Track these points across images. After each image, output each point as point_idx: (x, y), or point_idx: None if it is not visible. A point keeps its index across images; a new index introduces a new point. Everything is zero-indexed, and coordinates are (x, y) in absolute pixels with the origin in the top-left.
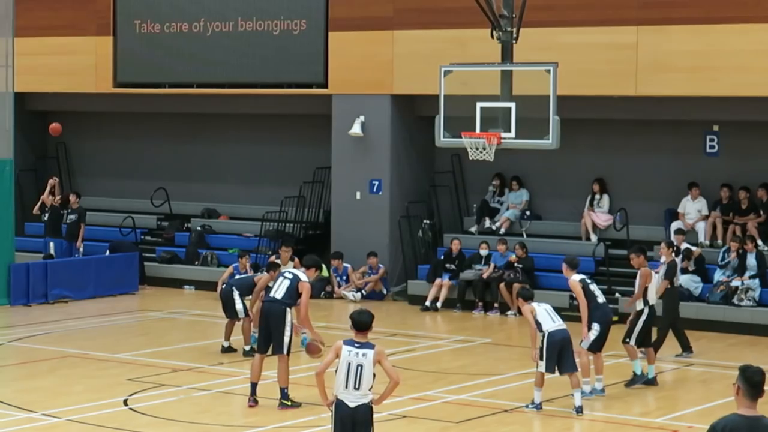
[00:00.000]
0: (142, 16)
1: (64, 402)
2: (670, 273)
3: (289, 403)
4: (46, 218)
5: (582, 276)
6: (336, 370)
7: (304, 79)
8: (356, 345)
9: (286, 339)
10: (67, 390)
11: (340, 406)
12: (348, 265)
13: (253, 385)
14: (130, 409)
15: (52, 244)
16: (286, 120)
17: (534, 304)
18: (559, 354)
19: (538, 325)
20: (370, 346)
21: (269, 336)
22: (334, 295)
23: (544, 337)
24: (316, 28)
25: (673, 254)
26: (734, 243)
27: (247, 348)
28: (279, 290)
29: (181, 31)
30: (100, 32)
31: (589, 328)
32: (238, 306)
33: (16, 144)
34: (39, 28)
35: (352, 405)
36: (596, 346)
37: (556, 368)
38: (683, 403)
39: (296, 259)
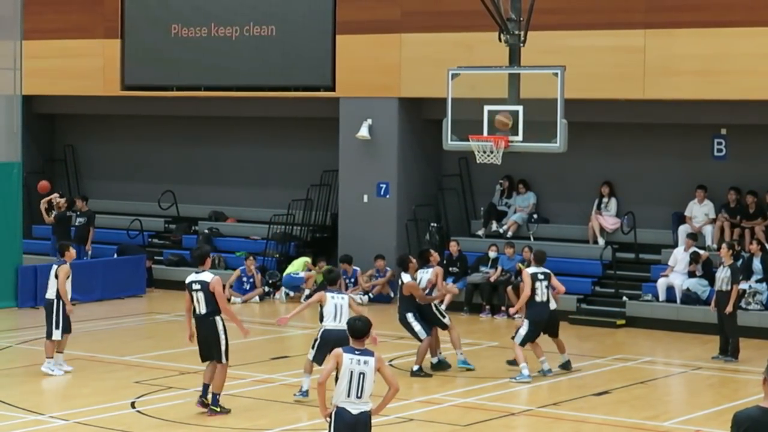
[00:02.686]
0: (150, 20)
1: (72, 404)
2: (736, 277)
3: (218, 410)
4: (52, 217)
5: (537, 271)
6: (336, 380)
7: (312, 82)
8: (356, 352)
9: (223, 348)
10: (74, 392)
11: (341, 413)
12: (357, 269)
13: (205, 387)
14: (138, 411)
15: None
16: (293, 123)
17: (329, 295)
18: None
19: (321, 316)
20: (370, 353)
21: (207, 347)
22: None
23: (320, 330)
24: (323, 32)
25: (733, 257)
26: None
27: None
28: (200, 304)
29: (188, 34)
30: (108, 35)
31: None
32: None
33: (23, 147)
34: (47, 31)
35: (354, 412)
36: (527, 341)
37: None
38: (691, 406)
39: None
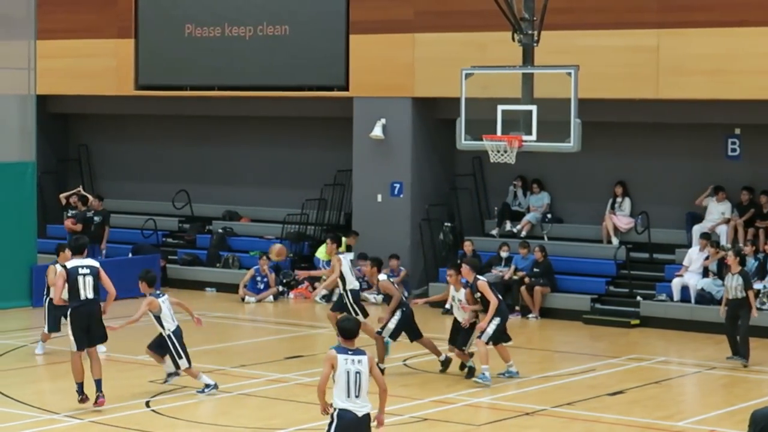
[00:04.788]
0: (163, 19)
1: (86, 404)
2: (748, 282)
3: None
4: (72, 219)
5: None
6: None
7: (325, 82)
8: (350, 352)
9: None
10: (88, 392)
11: (344, 415)
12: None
13: (80, 385)
14: (152, 410)
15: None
16: (307, 123)
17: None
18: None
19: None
20: (362, 352)
21: (89, 335)
22: None
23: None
24: (336, 31)
25: (740, 263)
26: (748, 247)
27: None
28: (87, 289)
29: (202, 34)
30: (122, 35)
31: (490, 322)
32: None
33: (37, 146)
34: (60, 31)
35: (359, 414)
36: (496, 339)
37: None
38: (705, 406)
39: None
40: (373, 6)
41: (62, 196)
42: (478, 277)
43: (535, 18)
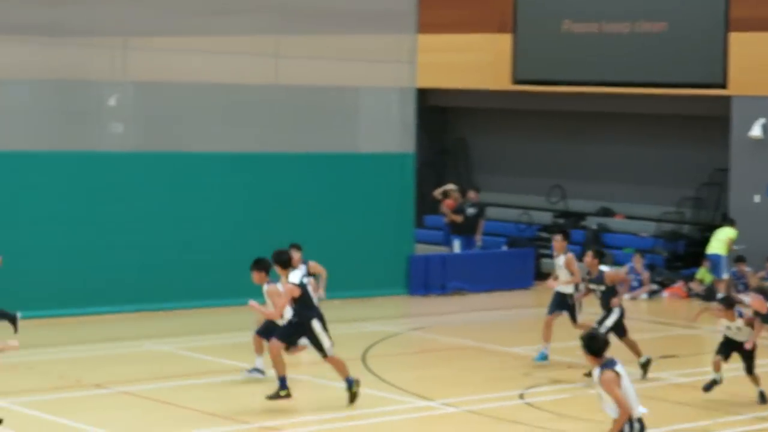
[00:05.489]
0: (542, 14)
1: (462, 392)
2: None
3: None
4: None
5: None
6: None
7: (702, 79)
8: (617, 365)
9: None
10: (464, 380)
11: (641, 419)
12: (749, 269)
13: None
14: (526, 403)
15: (457, 243)
16: (681, 120)
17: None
18: None
19: None
20: (615, 360)
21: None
22: None
23: None
24: (715, 29)
25: None
26: None
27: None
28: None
29: (579, 30)
30: (500, 30)
31: None
32: None
33: (417, 138)
34: (441, 25)
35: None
36: None
37: None
38: None
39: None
40: (755, 3)
41: (436, 192)
42: None
43: None
